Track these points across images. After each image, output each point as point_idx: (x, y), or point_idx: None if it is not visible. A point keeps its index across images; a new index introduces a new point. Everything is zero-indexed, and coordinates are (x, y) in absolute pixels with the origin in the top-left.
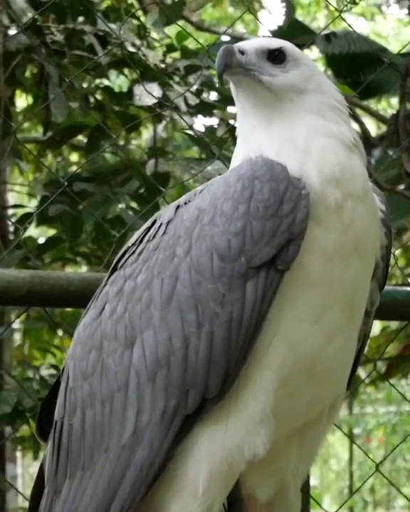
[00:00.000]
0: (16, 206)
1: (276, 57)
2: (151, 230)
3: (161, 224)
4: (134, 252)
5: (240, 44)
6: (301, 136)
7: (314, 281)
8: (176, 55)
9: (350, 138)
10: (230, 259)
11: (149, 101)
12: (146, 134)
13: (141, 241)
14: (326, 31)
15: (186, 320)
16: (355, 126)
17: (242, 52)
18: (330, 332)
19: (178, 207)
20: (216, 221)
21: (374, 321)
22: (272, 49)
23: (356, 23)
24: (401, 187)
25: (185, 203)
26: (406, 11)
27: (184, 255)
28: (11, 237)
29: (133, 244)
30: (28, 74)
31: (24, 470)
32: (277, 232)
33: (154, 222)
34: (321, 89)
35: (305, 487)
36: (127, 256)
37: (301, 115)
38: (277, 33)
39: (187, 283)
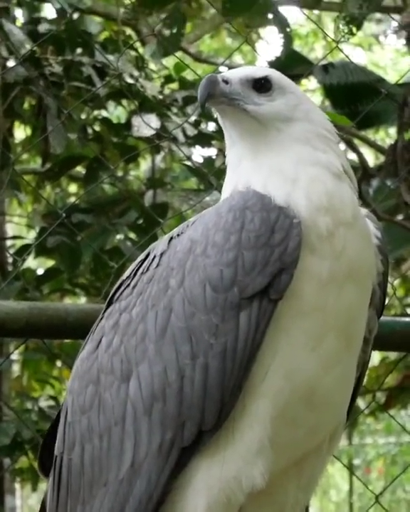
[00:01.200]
0: (14, 237)
1: (262, 86)
2: (145, 262)
3: (154, 256)
4: (128, 285)
5: (225, 73)
6: (289, 166)
7: (308, 309)
8: (174, 86)
9: (338, 166)
10: (223, 290)
11: (148, 132)
12: (145, 164)
13: (135, 274)
14: (324, 62)
15: (181, 352)
16: (353, 156)
17: (226, 82)
18: (327, 360)
19: (171, 238)
20: (208, 252)
21: (373, 352)
22: (258, 78)
23: (354, 53)
24: (400, 217)
25: (178, 235)
26: (403, 41)
27: (177, 287)
28: (10, 268)
29: (128, 277)
30: (26, 105)
31: (23, 502)
32: (270, 262)
33: (148, 254)
34: (308, 118)
35: None
36: (122, 289)
37: (288, 144)
38: (275, 64)
39: (181, 314)
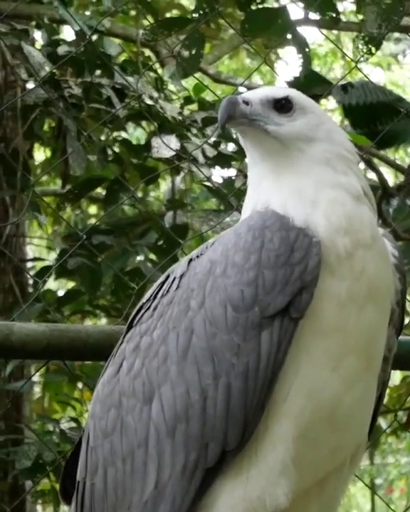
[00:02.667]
0: (35, 259)
1: (283, 106)
2: (165, 284)
3: (174, 278)
4: (149, 307)
5: (246, 94)
6: (309, 188)
7: (329, 329)
8: (194, 107)
9: (358, 189)
10: (244, 310)
11: (167, 153)
12: (165, 186)
13: (155, 296)
14: (343, 82)
15: (203, 372)
16: (372, 175)
17: (246, 103)
18: (348, 380)
19: (190, 260)
20: (228, 272)
21: (394, 371)
22: (278, 98)
23: (373, 72)
24: None
25: (197, 256)
26: None
27: (198, 308)
28: (30, 290)
29: (148, 300)
30: (46, 127)
31: None
32: (290, 281)
33: (168, 277)
34: (330, 138)
35: None
36: (142, 312)
37: (309, 165)
38: (294, 84)
39: (202, 335)
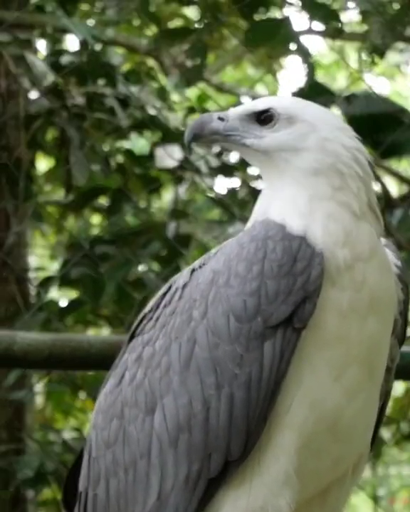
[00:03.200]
0: (37, 269)
1: (265, 118)
2: (167, 295)
3: (176, 289)
4: (151, 318)
5: (229, 110)
6: (303, 201)
7: (331, 339)
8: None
9: (355, 208)
10: (247, 320)
11: (170, 163)
12: (168, 196)
13: (157, 307)
14: (346, 92)
15: (205, 383)
16: (376, 186)
17: (222, 119)
18: (350, 390)
19: (193, 270)
20: (230, 282)
21: (397, 382)
22: (258, 111)
23: (377, 82)
24: None
25: (199, 267)
26: None
27: (200, 318)
28: (33, 299)
29: (150, 311)
30: (49, 137)
31: None
32: (293, 290)
33: (170, 287)
34: (322, 148)
35: None
36: (144, 322)
37: (300, 176)
38: (297, 94)
39: (205, 345)
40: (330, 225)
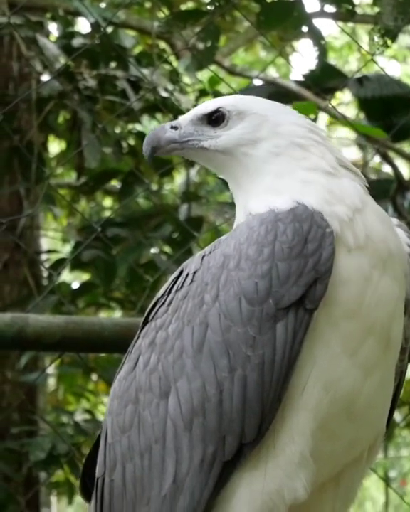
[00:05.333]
0: (49, 251)
1: (217, 118)
2: (179, 279)
3: (188, 274)
4: (163, 302)
5: (177, 120)
6: (273, 181)
7: (344, 315)
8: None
9: (325, 166)
10: (259, 302)
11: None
12: (179, 178)
13: (169, 291)
14: (358, 75)
15: (219, 366)
16: (388, 168)
17: (175, 128)
18: (366, 366)
19: (203, 256)
20: (241, 266)
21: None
22: (209, 112)
23: (389, 65)
24: None
25: (210, 252)
26: None
27: (212, 302)
28: (45, 282)
29: (162, 296)
30: (60, 120)
31: None
32: (304, 272)
33: (181, 272)
34: (276, 132)
35: None
36: (157, 307)
37: (263, 166)
38: (309, 77)
39: (217, 329)
40: (308, 188)
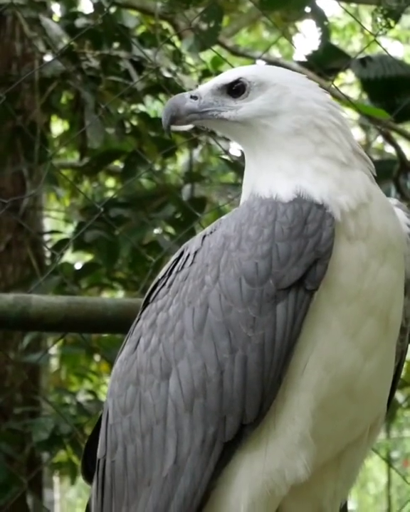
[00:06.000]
0: (52, 232)
1: (237, 89)
2: (180, 260)
3: (188, 254)
4: (164, 284)
5: (197, 89)
6: (289, 164)
7: (344, 298)
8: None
9: (340, 157)
10: (259, 283)
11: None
12: (182, 159)
13: (170, 273)
14: (361, 55)
15: (219, 346)
16: (391, 149)
17: (195, 97)
18: (366, 347)
19: (204, 236)
20: (242, 246)
21: None
22: (229, 83)
23: (392, 46)
24: None
25: (210, 233)
26: None
27: (212, 282)
28: (48, 262)
29: (163, 277)
30: (63, 100)
31: (61, 495)
32: (304, 253)
33: (182, 253)
34: (298, 107)
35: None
36: (157, 288)
37: (281, 140)
38: (312, 57)
39: (218, 309)
40: (319, 178)
